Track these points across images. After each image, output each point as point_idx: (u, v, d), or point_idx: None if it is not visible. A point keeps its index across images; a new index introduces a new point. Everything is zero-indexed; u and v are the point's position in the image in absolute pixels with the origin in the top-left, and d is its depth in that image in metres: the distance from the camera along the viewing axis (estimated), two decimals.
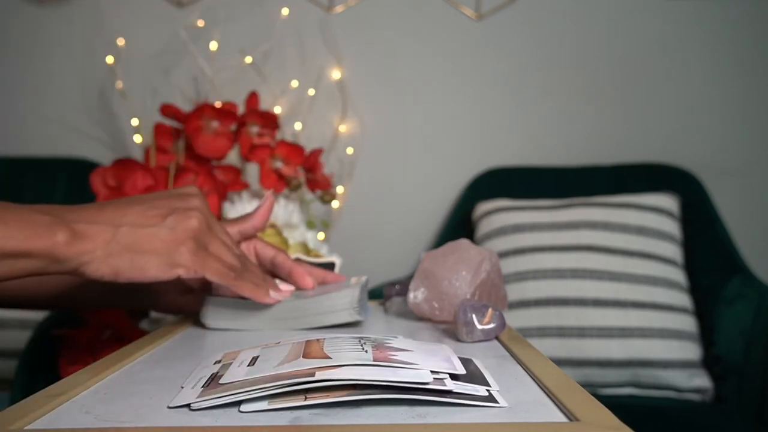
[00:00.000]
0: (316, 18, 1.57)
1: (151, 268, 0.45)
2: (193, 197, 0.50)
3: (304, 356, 0.34)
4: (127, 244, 0.45)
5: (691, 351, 1.18)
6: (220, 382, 0.32)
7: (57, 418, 0.29)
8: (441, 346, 0.38)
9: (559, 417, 0.28)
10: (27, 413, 0.29)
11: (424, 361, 0.33)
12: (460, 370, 0.33)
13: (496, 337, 0.46)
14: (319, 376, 0.30)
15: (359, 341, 0.37)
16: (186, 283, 0.60)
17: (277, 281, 0.56)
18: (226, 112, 1.03)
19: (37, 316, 1.19)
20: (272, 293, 0.53)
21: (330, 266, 0.72)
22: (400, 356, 0.33)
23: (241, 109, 1.10)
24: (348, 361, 0.32)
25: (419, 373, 0.31)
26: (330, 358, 0.33)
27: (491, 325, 0.46)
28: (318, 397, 0.29)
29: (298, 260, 0.66)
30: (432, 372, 0.31)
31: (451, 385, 0.30)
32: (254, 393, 0.30)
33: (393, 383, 0.30)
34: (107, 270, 0.44)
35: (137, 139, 1.30)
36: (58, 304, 0.64)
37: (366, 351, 0.34)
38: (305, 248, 0.96)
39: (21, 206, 0.42)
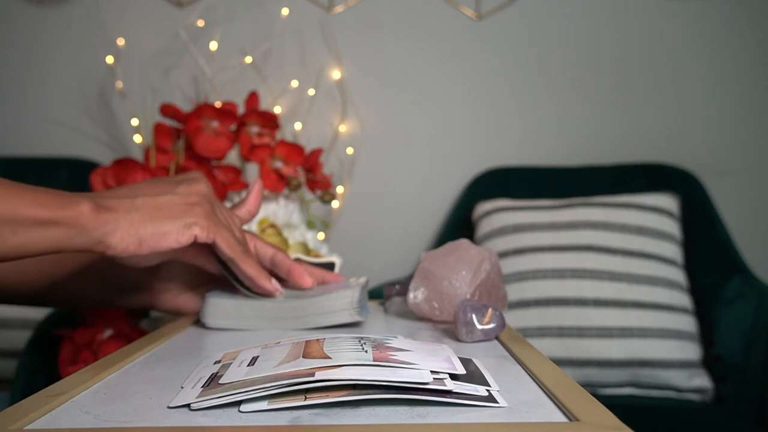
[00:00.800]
0: (316, 18, 1.57)
1: (171, 233, 0.47)
2: (196, 173, 0.53)
3: (304, 356, 0.34)
4: (146, 212, 0.46)
5: (691, 351, 1.18)
6: (220, 382, 0.32)
7: (57, 418, 0.29)
8: (441, 346, 0.38)
9: (559, 417, 0.28)
10: (27, 413, 0.29)
11: (423, 361, 0.33)
12: (460, 370, 0.33)
13: (496, 337, 0.46)
14: (318, 376, 0.30)
15: (359, 341, 0.37)
16: (192, 278, 0.60)
17: (273, 281, 0.57)
18: (226, 112, 1.03)
19: (37, 316, 1.19)
20: (273, 281, 0.54)
21: (330, 266, 0.72)
22: (400, 356, 0.33)
23: (241, 109, 1.10)
24: (348, 361, 0.32)
25: (419, 373, 0.31)
26: (330, 358, 0.33)
27: (491, 325, 0.46)
28: (318, 397, 0.29)
29: (298, 260, 0.66)
30: (432, 372, 0.31)
31: (451, 385, 0.30)
32: (254, 393, 0.30)
33: (393, 383, 0.30)
34: (131, 240, 0.45)
35: (137, 139, 1.30)
36: (58, 299, 0.64)
37: (366, 351, 0.34)
38: (305, 248, 0.96)
39: (38, 186, 0.44)
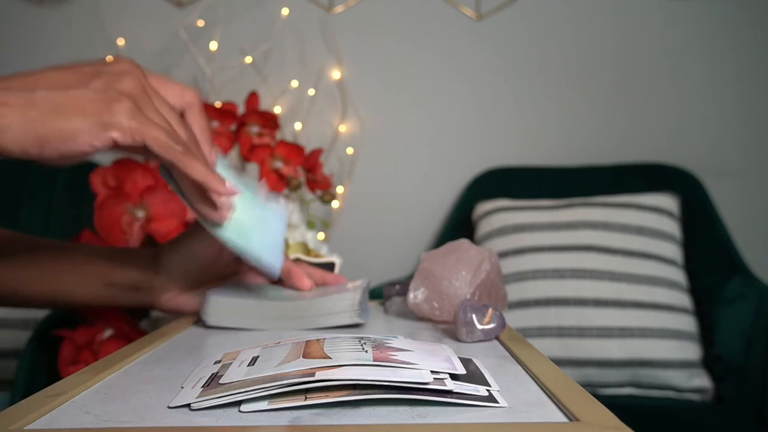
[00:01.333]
0: (316, 18, 1.57)
1: (81, 134, 0.38)
2: (122, 62, 0.43)
3: (304, 356, 0.34)
4: (47, 108, 0.38)
5: (691, 351, 1.18)
6: (220, 382, 0.32)
7: (57, 418, 0.29)
8: (441, 346, 0.38)
9: (559, 417, 0.28)
10: (27, 413, 0.29)
11: (424, 361, 0.33)
12: (461, 370, 0.33)
13: (496, 337, 0.46)
14: (319, 376, 0.30)
15: (359, 341, 0.37)
16: (193, 277, 0.60)
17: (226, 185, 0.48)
18: (226, 112, 1.03)
19: (37, 316, 1.19)
20: (228, 183, 0.44)
21: (330, 266, 0.72)
22: (400, 356, 0.33)
23: (241, 109, 1.10)
24: (348, 361, 0.32)
25: (419, 373, 0.31)
26: (330, 358, 0.33)
27: (491, 325, 0.46)
28: (318, 397, 0.29)
29: (297, 260, 0.66)
30: (432, 372, 0.31)
31: (451, 385, 0.30)
32: (254, 393, 0.30)
33: (393, 383, 0.30)
34: (30, 140, 0.38)
35: None
36: (58, 300, 0.64)
37: (366, 351, 0.34)
38: (305, 248, 0.96)
39: None
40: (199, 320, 0.55)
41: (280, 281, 0.61)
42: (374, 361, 0.32)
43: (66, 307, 0.90)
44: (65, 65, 0.41)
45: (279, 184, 1.05)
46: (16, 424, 0.28)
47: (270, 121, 1.07)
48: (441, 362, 0.33)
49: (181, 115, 0.47)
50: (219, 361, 0.37)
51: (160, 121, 0.42)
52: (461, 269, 0.52)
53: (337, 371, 0.30)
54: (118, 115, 0.39)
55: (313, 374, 0.30)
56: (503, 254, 1.30)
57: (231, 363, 0.36)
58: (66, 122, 0.38)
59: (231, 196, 0.45)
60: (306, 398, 0.29)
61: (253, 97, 1.11)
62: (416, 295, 0.54)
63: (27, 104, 0.38)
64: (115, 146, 0.40)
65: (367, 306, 0.55)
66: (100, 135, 0.39)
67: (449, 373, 0.32)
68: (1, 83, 0.38)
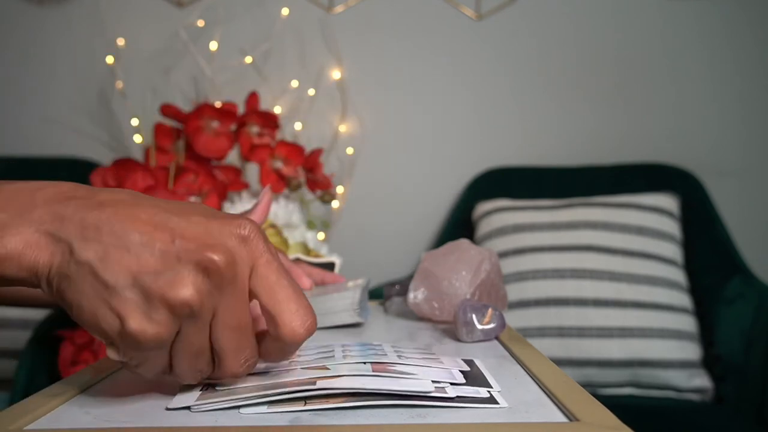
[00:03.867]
0: (316, 18, 1.57)
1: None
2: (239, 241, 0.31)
3: (302, 368, 0.33)
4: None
5: (691, 351, 1.18)
6: (217, 388, 0.32)
7: (57, 418, 0.29)
8: (446, 351, 0.38)
9: (559, 417, 0.28)
10: (27, 413, 0.29)
11: (424, 371, 0.33)
12: (460, 380, 0.33)
13: (496, 337, 0.46)
14: (320, 384, 0.30)
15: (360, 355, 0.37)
16: None
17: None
18: (226, 112, 1.03)
19: (37, 316, 1.19)
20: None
21: (330, 266, 0.72)
22: (399, 368, 0.33)
23: (241, 109, 1.10)
24: (347, 372, 0.32)
25: (421, 383, 0.31)
26: (328, 369, 0.33)
27: (491, 325, 0.46)
28: (318, 403, 0.29)
29: (297, 260, 0.66)
30: (433, 382, 0.31)
31: (452, 392, 0.30)
32: (255, 400, 0.30)
33: (395, 392, 0.29)
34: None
35: (137, 139, 1.30)
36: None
37: (365, 363, 0.34)
38: (305, 248, 0.96)
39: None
40: None
41: None
42: (373, 371, 0.32)
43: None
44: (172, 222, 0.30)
45: (279, 184, 1.05)
46: (16, 424, 0.28)
47: (270, 121, 1.07)
48: (442, 372, 0.33)
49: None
50: None
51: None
52: (461, 269, 0.52)
53: (338, 381, 0.30)
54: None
55: (314, 383, 0.30)
56: (503, 254, 1.30)
57: None
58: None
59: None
60: (306, 404, 0.29)
61: (253, 97, 1.11)
62: (416, 295, 0.54)
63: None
64: None
65: (367, 305, 0.55)
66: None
67: (450, 382, 0.32)
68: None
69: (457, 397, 0.30)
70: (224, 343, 0.30)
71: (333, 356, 0.36)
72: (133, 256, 0.28)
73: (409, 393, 0.29)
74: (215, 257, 0.28)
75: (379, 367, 0.33)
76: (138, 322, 0.27)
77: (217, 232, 0.30)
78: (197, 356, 0.30)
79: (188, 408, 0.30)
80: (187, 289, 0.27)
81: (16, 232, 0.29)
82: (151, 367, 0.30)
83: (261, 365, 0.33)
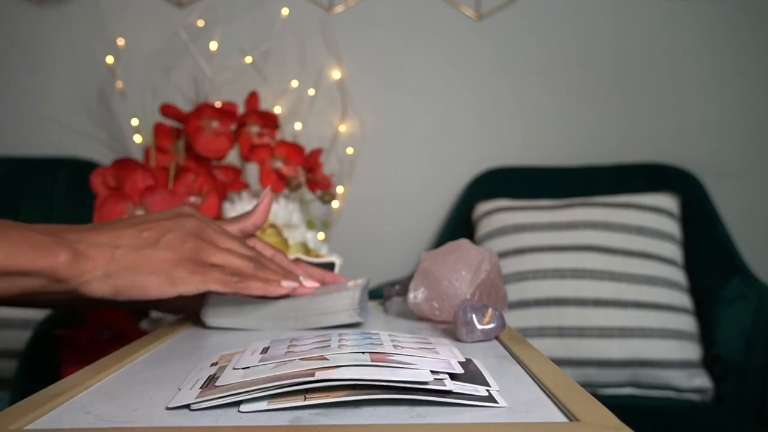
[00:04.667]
0: (316, 18, 1.57)
1: (151, 288, 0.46)
2: (186, 218, 0.50)
3: (300, 359, 0.34)
4: (125, 265, 0.45)
5: (691, 351, 1.18)
6: (217, 384, 0.32)
7: (57, 418, 0.29)
8: (441, 341, 0.38)
9: (559, 417, 0.28)
10: (27, 413, 0.29)
11: (422, 361, 0.33)
12: (458, 369, 0.33)
13: (496, 337, 0.46)
14: (319, 376, 0.30)
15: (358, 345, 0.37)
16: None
17: (302, 277, 0.56)
18: (226, 112, 1.03)
19: (37, 316, 1.19)
20: (283, 282, 0.52)
21: (330, 266, 0.72)
22: (397, 357, 0.33)
23: (241, 109, 1.10)
24: (346, 362, 0.32)
25: (419, 373, 0.31)
26: (327, 359, 0.33)
27: (491, 325, 0.46)
28: (318, 398, 0.29)
29: (297, 260, 0.66)
30: (432, 372, 0.31)
31: (450, 385, 0.30)
32: (254, 393, 0.30)
33: (393, 383, 0.30)
34: (108, 289, 0.45)
35: (137, 139, 1.30)
36: (60, 300, 0.64)
37: (363, 353, 0.34)
38: (305, 248, 0.95)
39: (22, 224, 0.43)
40: (198, 320, 0.55)
41: None
42: (372, 362, 0.32)
43: (68, 308, 0.90)
44: (142, 218, 0.49)
45: (279, 184, 1.05)
46: (16, 424, 0.28)
47: (270, 121, 1.07)
48: (439, 362, 0.33)
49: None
50: (215, 363, 0.37)
51: (221, 262, 0.49)
52: (461, 269, 0.52)
53: (337, 371, 0.30)
54: (182, 274, 0.47)
55: (313, 374, 0.30)
56: (503, 254, 1.30)
57: (227, 365, 0.36)
58: (140, 279, 0.46)
59: (279, 300, 0.53)
60: (305, 398, 0.29)
61: (253, 97, 1.11)
62: (416, 295, 0.54)
63: (110, 260, 0.45)
64: (180, 295, 0.47)
65: (367, 305, 0.55)
66: (168, 289, 0.46)
67: (448, 373, 0.32)
68: (93, 235, 0.45)
69: (456, 393, 0.30)
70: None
71: (329, 346, 0.36)
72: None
73: (407, 385, 0.29)
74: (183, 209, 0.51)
75: (378, 357, 0.33)
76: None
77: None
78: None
79: (188, 407, 0.30)
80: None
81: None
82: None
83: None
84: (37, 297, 0.61)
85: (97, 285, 0.44)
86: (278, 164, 1.06)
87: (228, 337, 0.50)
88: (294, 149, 1.07)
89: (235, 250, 0.51)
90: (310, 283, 0.55)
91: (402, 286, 0.59)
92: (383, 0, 1.57)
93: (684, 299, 1.24)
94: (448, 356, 0.35)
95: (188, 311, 0.61)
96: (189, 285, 0.47)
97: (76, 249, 0.44)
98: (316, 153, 1.09)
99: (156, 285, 0.46)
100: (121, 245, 0.46)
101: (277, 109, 1.40)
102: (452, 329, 0.49)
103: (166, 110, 1.04)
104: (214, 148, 1.01)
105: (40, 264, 0.42)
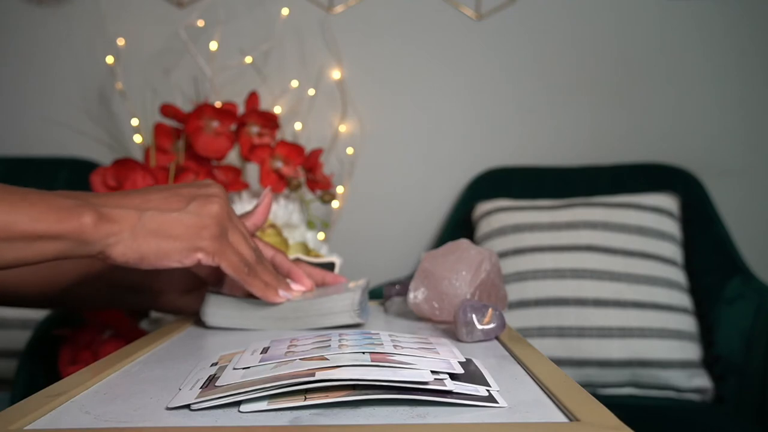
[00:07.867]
0: (316, 18, 1.57)
1: (174, 253, 0.46)
2: (212, 186, 0.51)
3: (301, 359, 0.34)
4: (152, 228, 0.45)
5: (691, 351, 1.18)
6: (217, 384, 0.32)
7: (57, 418, 0.29)
8: (441, 341, 0.38)
9: (559, 417, 0.28)
10: (27, 413, 0.29)
11: (422, 361, 0.33)
12: (458, 369, 0.33)
13: (496, 337, 0.46)
14: (319, 376, 0.30)
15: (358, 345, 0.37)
16: (192, 279, 0.60)
17: (288, 280, 0.57)
18: (226, 112, 1.03)
19: (37, 316, 1.19)
20: (281, 292, 0.53)
21: (330, 266, 0.72)
22: (398, 357, 0.33)
23: (241, 109, 1.10)
24: (346, 362, 0.32)
25: (419, 373, 0.31)
26: (327, 359, 0.33)
27: (491, 325, 0.46)
28: (318, 398, 0.29)
29: (297, 260, 0.66)
30: (432, 372, 0.31)
31: (451, 385, 0.30)
32: (255, 393, 0.30)
33: (393, 383, 0.30)
34: (132, 254, 0.44)
35: (137, 139, 1.30)
36: (60, 301, 0.64)
37: (363, 353, 0.34)
38: (305, 248, 0.95)
39: (45, 191, 0.42)
40: (198, 320, 0.55)
41: None
42: (372, 362, 0.32)
43: (69, 308, 0.90)
44: (169, 186, 0.49)
45: (279, 184, 1.05)
46: (16, 424, 0.28)
47: (270, 121, 1.07)
48: (440, 362, 0.33)
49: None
50: (215, 363, 0.37)
51: (236, 244, 0.50)
52: (461, 269, 0.52)
53: (337, 371, 0.30)
54: (204, 240, 0.47)
55: (313, 374, 0.30)
56: (503, 254, 1.30)
57: (227, 365, 0.36)
58: (164, 244, 0.46)
59: (278, 303, 0.53)
60: (306, 398, 0.29)
61: (253, 97, 1.11)
62: (416, 295, 0.54)
63: (137, 223, 0.45)
64: (198, 263, 0.47)
65: (367, 306, 0.55)
66: (189, 256, 0.47)
67: (449, 373, 0.32)
68: (119, 199, 0.45)
69: (456, 393, 0.30)
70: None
71: (329, 346, 0.36)
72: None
73: (408, 385, 0.29)
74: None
75: (378, 357, 0.33)
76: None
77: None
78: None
79: (188, 407, 0.30)
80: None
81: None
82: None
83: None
84: (45, 284, 0.61)
85: (122, 249, 0.44)
86: (278, 164, 1.06)
87: (228, 337, 0.50)
88: (294, 149, 1.07)
89: (247, 239, 0.52)
90: (297, 287, 0.56)
91: (402, 286, 0.59)
92: (383, 0, 1.57)
93: (684, 299, 1.24)
94: (448, 356, 0.35)
95: (188, 311, 0.61)
96: (207, 254, 0.47)
97: (101, 212, 0.43)
98: (316, 153, 1.09)
99: (179, 251, 0.46)
100: (150, 208, 0.45)
101: (277, 109, 1.40)
102: (452, 329, 0.49)
103: (166, 110, 1.04)
104: (214, 148, 1.01)
105: (66, 226, 0.41)
